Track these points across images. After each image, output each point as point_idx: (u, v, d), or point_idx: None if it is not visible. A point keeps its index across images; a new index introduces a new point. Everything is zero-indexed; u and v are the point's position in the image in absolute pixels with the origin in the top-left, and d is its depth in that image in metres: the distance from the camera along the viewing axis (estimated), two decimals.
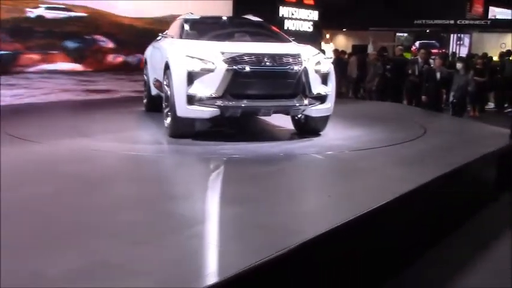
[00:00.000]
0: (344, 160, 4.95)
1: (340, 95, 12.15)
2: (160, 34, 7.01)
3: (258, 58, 5.27)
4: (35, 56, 9.08)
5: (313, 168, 4.71)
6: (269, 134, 6.22)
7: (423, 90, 9.87)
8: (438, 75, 9.70)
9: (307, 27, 14.96)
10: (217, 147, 5.15)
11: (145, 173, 4.25)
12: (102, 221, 2.95)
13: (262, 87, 5.35)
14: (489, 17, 23.57)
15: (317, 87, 5.54)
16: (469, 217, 4.74)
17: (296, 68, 5.36)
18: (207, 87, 5.18)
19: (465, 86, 9.84)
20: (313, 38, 14.51)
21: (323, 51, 13.86)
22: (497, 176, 5.52)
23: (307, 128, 5.91)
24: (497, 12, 24.53)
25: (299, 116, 5.80)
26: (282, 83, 5.41)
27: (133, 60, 10.58)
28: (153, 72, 7.03)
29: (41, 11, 9.11)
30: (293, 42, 6.31)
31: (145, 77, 7.78)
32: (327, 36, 20.16)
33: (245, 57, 5.24)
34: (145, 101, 7.83)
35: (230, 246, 2.61)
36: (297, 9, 14.61)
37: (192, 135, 5.49)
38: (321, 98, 5.60)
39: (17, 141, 5.22)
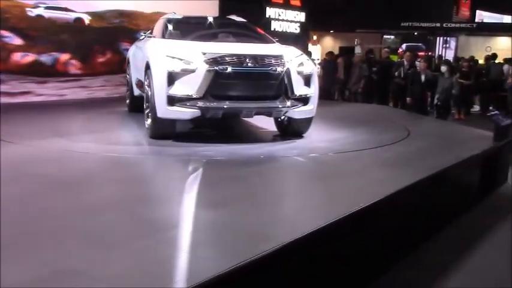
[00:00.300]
0: (326, 162, 4.89)
1: (329, 96, 12.23)
2: (143, 33, 6.93)
3: (240, 59, 5.20)
4: None
5: (294, 171, 4.64)
6: (251, 136, 6.16)
7: (408, 92, 9.88)
8: (423, 77, 9.71)
9: (294, 28, 14.92)
10: (198, 149, 5.07)
11: (120, 175, 4.14)
12: (69, 225, 2.83)
13: (244, 88, 5.27)
14: (477, 20, 23.76)
15: (300, 89, 5.48)
16: (452, 220, 4.70)
17: (278, 69, 5.29)
18: (188, 87, 5.10)
19: (449, 89, 9.88)
20: (300, 40, 14.48)
21: (310, 53, 13.91)
22: (481, 179, 5.49)
23: (290, 129, 5.85)
24: (485, 16, 24.74)
25: (282, 117, 5.75)
26: (264, 84, 5.34)
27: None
28: (136, 72, 6.93)
29: None
30: (276, 43, 6.25)
31: (128, 77, 7.69)
32: (314, 37, 20.12)
33: (226, 58, 5.16)
34: (128, 101, 7.75)
35: (201, 252, 2.53)
36: (283, 10, 14.56)
37: (173, 137, 5.41)
38: (304, 100, 5.54)
39: None
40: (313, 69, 5.76)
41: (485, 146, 5.83)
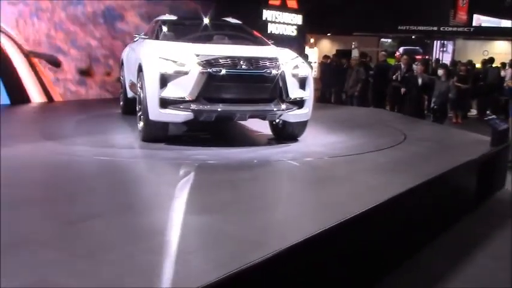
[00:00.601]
0: (320, 167, 4.80)
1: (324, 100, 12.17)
2: (137, 35, 6.86)
3: (234, 61, 5.11)
4: None
5: (287, 176, 4.54)
6: (245, 139, 6.07)
7: (406, 97, 9.83)
8: (420, 81, 9.64)
9: (291, 31, 14.83)
10: (191, 152, 4.98)
11: (110, 179, 4.04)
12: (50, 232, 2.72)
13: (237, 91, 5.19)
14: (476, 24, 23.73)
15: (295, 92, 5.40)
16: (447, 227, 4.62)
17: (273, 71, 5.21)
18: (181, 90, 5.02)
19: (446, 93, 9.81)
20: (296, 42, 14.40)
21: (306, 56, 13.83)
22: (478, 185, 5.42)
23: (285, 133, 5.77)
24: (482, 20, 24.72)
25: (276, 121, 5.67)
26: (258, 87, 5.26)
27: None
28: (129, 74, 6.85)
29: None
30: (272, 45, 6.17)
31: (122, 79, 7.60)
32: (312, 40, 20.04)
33: (220, 60, 5.08)
34: (121, 103, 7.66)
35: (189, 260, 2.43)
36: (280, 13, 14.47)
37: (166, 140, 5.32)
38: (299, 103, 5.46)
39: None
40: (309, 72, 5.69)
41: (483, 150, 5.75)
